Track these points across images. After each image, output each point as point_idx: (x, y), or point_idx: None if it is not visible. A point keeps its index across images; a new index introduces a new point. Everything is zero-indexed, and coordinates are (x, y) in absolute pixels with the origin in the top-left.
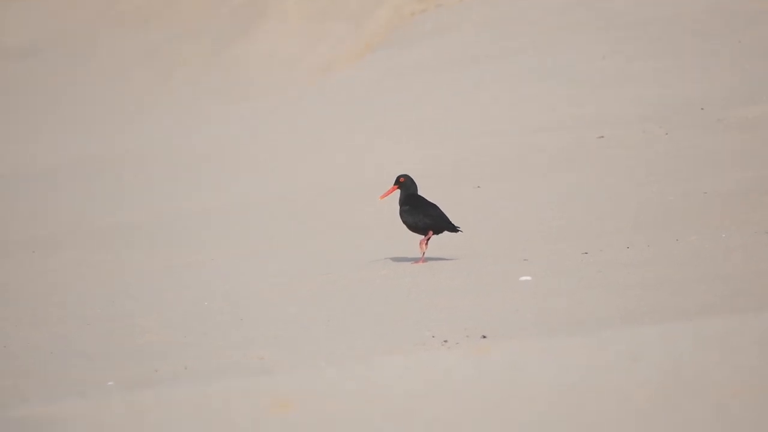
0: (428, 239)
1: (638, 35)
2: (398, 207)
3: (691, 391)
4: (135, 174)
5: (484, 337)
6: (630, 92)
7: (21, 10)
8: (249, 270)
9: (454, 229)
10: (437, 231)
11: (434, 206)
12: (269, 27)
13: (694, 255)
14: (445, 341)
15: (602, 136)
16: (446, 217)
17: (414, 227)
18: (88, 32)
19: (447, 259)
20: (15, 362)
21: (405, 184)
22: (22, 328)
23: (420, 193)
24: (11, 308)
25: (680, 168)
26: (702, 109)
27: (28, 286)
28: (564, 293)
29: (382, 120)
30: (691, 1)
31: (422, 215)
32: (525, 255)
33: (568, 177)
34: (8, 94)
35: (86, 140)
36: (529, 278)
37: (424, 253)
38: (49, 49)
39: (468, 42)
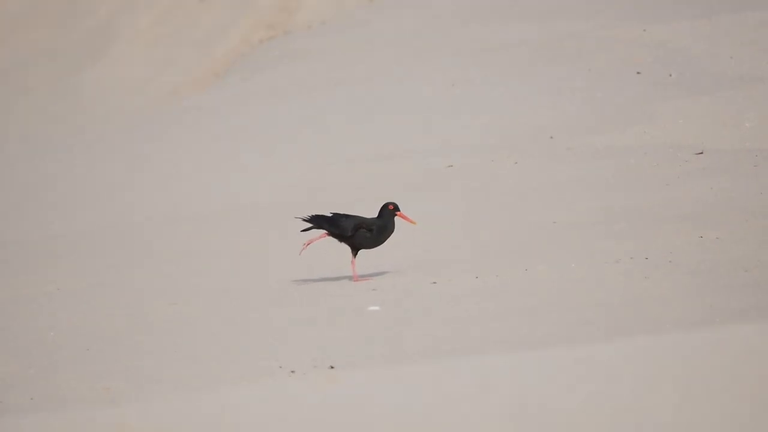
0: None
1: (488, 62)
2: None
3: (537, 420)
4: None
5: (332, 367)
6: (479, 120)
7: None
8: (96, 300)
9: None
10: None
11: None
12: (117, 53)
13: (542, 285)
14: (293, 371)
15: (451, 165)
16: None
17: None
18: None
19: (295, 289)
20: None
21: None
22: None
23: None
24: None
25: (529, 197)
26: (551, 137)
27: None
28: (412, 323)
29: (231, 146)
30: (541, 27)
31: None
32: (374, 284)
33: (417, 206)
34: None
35: None
36: (377, 308)
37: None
38: None
39: (317, 69)
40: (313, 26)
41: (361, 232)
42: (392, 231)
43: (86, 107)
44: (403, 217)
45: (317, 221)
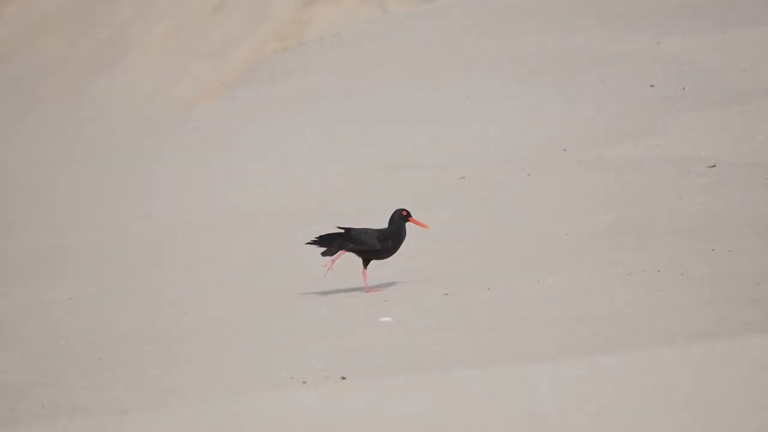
0: (336, 258)
1: (501, 74)
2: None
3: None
4: None
5: (344, 378)
6: (492, 132)
7: None
8: (106, 309)
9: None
10: (327, 244)
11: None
12: (130, 63)
13: (554, 296)
14: (304, 382)
15: (464, 177)
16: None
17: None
18: None
19: (307, 300)
20: None
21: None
22: None
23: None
24: None
25: (541, 209)
26: (564, 150)
27: None
28: (424, 334)
29: (242, 156)
30: (554, 39)
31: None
32: (385, 296)
33: (429, 217)
34: None
35: None
36: (389, 319)
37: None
38: None
39: (329, 81)
40: (326, 38)
41: (384, 244)
42: (404, 237)
43: (98, 117)
44: (416, 223)
45: (338, 241)
